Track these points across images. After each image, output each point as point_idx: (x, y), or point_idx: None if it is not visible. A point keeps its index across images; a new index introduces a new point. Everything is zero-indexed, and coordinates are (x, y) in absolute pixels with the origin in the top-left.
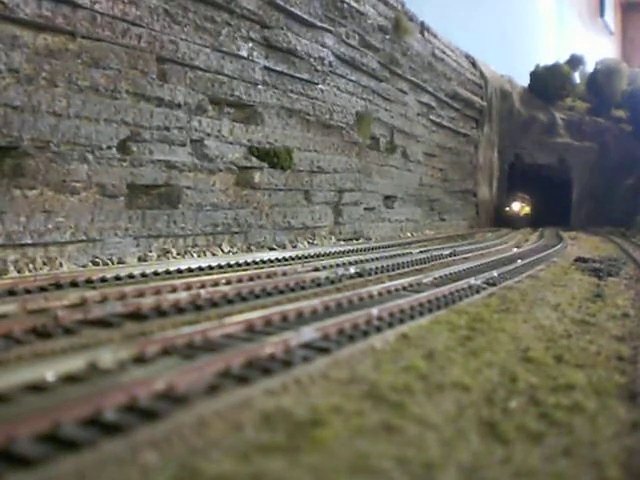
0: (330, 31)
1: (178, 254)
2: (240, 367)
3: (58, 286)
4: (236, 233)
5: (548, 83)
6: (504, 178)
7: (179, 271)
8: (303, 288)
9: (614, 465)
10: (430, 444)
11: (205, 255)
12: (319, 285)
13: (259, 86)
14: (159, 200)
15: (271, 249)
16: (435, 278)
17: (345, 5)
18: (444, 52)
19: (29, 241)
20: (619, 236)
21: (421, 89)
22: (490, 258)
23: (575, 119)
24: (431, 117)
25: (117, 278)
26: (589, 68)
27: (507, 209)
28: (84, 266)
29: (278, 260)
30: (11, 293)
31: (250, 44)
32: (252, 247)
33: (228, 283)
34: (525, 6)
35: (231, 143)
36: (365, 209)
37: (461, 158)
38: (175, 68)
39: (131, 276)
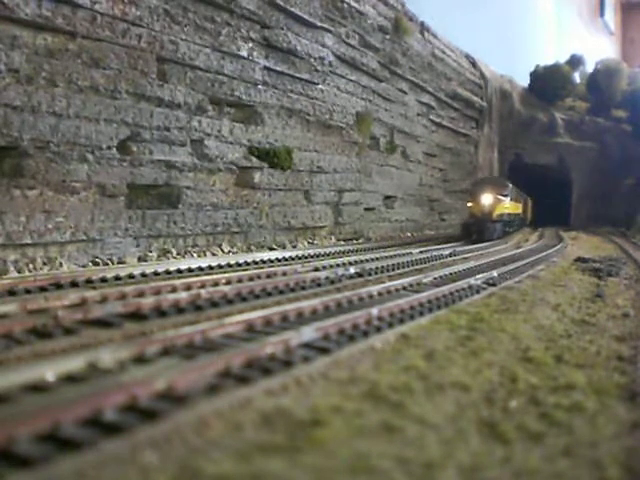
0: (330, 31)
1: (178, 254)
2: (240, 367)
3: (58, 286)
4: (236, 233)
5: (548, 83)
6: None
7: (179, 271)
8: (303, 288)
9: (614, 465)
10: (430, 444)
11: (205, 255)
12: (319, 285)
13: (259, 86)
14: (159, 200)
15: (271, 249)
16: (435, 278)
17: (345, 5)
18: (444, 52)
19: (29, 241)
20: (619, 236)
21: (421, 89)
22: (490, 258)
23: (575, 119)
24: (431, 117)
25: (117, 278)
26: (589, 68)
27: (470, 205)
28: (84, 266)
29: (278, 260)
30: (11, 293)
31: (250, 44)
32: (252, 247)
33: (228, 283)
34: (525, 6)
35: (231, 143)
36: (365, 209)
37: (461, 158)
38: (175, 68)
39: (131, 276)
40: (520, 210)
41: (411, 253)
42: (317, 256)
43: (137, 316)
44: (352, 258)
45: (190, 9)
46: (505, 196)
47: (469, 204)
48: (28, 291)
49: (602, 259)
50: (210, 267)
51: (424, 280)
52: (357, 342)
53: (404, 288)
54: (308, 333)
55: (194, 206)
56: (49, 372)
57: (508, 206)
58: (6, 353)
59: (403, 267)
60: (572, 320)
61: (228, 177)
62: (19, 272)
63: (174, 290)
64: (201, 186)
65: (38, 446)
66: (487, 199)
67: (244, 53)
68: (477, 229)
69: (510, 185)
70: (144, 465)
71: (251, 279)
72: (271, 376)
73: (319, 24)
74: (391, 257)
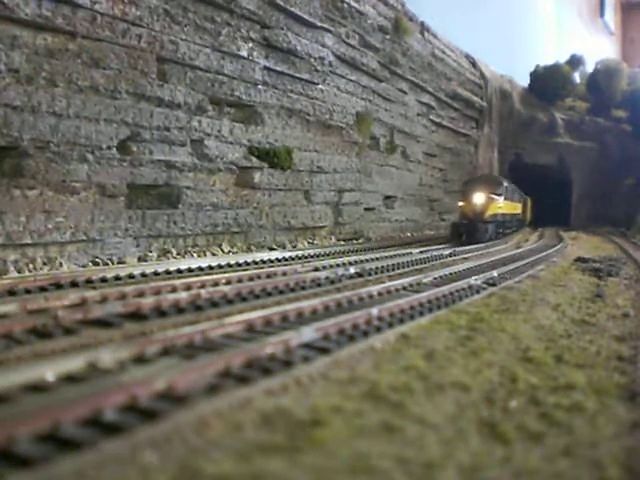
0: (330, 31)
1: (178, 254)
2: (240, 367)
3: (58, 286)
4: (236, 233)
5: (548, 83)
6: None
7: (179, 271)
8: (303, 288)
9: (614, 465)
10: (430, 444)
11: (205, 255)
12: (319, 285)
13: (259, 86)
14: (159, 200)
15: (271, 249)
16: (435, 278)
17: (345, 5)
18: (444, 52)
19: (29, 241)
20: (619, 236)
21: (421, 89)
22: (490, 258)
23: (575, 119)
24: (431, 117)
25: (117, 278)
26: (589, 68)
27: (461, 204)
28: (84, 266)
29: (278, 260)
30: (11, 293)
31: (250, 44)
32: (252, 247)
33: (228, 283)
34: (525, 6)
35: (231, 143)
36: (365, 209)
37: (461, 158)
38: (175, 68)
39: (131, 276)
40: (518, 210)
41: (411, 253)
42: (317, 256)
43: (137, 316)
44: (352, 258)
45: (190, 9)
46: (499, 195)
47: (460, 203)
48: (28, 291)
49: (602, 259)
50: (210, 267)
51: (424, 280)
52: (357, 342)
53: (404, 288)
54: (308, 333)
55: (194, 206)
56: (49, 372)
57: (502, 206)
58: (6, 353)
59: (403, 267)
60: (572, 320)
61: (228, 177)
62: (19, 272)
63: (174, 290)
64: (201, 186)
65: (38, 446)
66: (479, 198)
67: (244, 53)
68: (467, 230)
69: (505, 184)
70: (144, 465)
71: (251, 279)
72: (271, 376)
73: (319, 24)
74: (391, 257)
